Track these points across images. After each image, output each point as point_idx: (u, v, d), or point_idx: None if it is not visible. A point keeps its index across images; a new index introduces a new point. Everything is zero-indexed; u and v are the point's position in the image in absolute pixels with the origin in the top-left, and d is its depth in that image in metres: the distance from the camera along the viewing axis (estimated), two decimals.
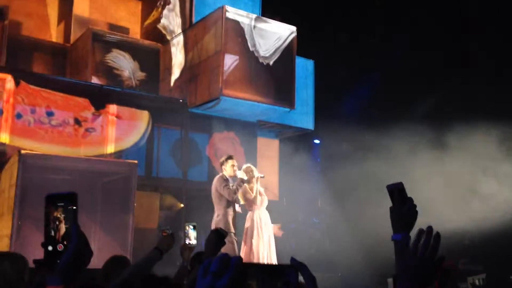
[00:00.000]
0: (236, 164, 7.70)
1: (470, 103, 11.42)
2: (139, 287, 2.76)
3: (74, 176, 8.66)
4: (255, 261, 7.30)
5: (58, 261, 1.47)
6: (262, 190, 7.84)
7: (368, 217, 10.32)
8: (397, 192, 1.81)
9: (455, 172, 9.76)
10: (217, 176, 7.58)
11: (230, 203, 7.41)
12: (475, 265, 9.32)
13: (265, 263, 7.27)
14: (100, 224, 8.85)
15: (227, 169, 7.59)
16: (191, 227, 3.36)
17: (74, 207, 1.53)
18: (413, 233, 1.78)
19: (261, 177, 7.76)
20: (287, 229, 12.82)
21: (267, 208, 7.87)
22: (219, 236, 3.13)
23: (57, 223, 1.52)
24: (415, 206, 1.79)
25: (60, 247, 1.51)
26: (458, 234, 9.85)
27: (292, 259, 1.23)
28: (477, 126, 9.63)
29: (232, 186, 7.36)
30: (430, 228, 1.49)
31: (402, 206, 1.78)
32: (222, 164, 7.69)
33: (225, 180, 7.44)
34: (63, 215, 1.53)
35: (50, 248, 1.51)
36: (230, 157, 7.74)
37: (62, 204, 1.53)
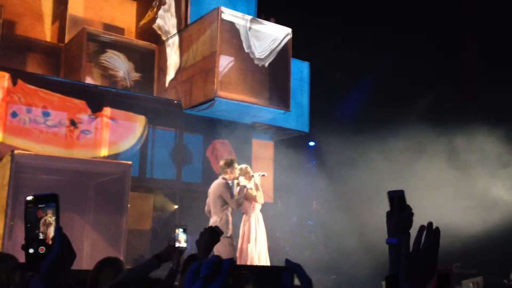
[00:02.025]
0: (238, 167, 7.67)
1: (470, 104, 11.42)
2: None
3: (67, 176, 8.62)
4: (253, 263, 7.27)
5: (41, 264, 1.41)
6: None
7: (363, 219, 10.30)
8: (397, 199, 1.85)
9: (450, 173, 9.76)
10: (222, 182, 7.44)
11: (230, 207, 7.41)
12: (470, 268, 9.30)
13: (262, 265, 7.28)
14: (93, 225, 8.80)
15: (235, 174, 7.52)
16: (181, 230, 3.35)
17: (57, 208, 1.48)
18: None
19: (262, 175, 7.77)
20: (282, 231, 12.79)
21: (260, 210, 7.83)
22: (213, 234, 3.10)
23: (47, 225, 1.46)
24: (412, 214, 1.84)
25: (42, 250, 1.45)
26: (450, 236, 9.84)
27: (287, 261, 1.19)
28: (475, 127, 9.63)
29: (237, 196, 7.33)
30: (430, 224, 1.53)
31: (401, 213, 1.83)
32: (228, 166, 7.52)
33: (230, 187, 7.39)
34: (53, 218, 1.47)
35: (31, 250, 1.45)
36: (235, 161, 7.67)
37: (44, 205, 1.47)
